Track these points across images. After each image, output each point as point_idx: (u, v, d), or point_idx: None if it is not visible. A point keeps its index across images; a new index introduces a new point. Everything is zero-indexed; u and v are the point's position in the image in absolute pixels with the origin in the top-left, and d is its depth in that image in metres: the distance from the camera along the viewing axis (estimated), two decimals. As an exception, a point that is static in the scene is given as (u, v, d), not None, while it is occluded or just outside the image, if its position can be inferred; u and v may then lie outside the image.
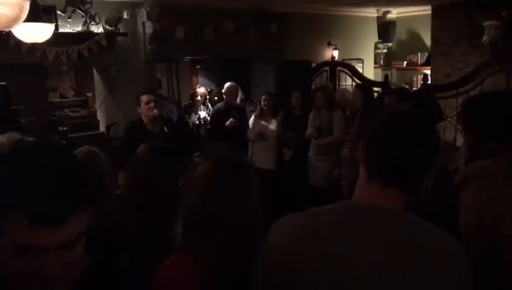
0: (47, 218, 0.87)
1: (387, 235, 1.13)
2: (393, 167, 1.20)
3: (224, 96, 6.08)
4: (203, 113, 6.47)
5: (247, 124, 5.91)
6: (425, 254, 1.13)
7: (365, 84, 6.15)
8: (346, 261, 1.11)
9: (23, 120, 3.26)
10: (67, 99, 6.81)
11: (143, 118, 4.20)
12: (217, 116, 5.92)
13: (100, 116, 6.34)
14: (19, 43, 4.33)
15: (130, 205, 1.68)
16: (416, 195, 1.27)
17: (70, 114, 5.71)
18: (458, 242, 1.21)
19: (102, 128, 6.08)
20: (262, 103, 5.76)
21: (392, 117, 1.35)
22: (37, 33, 3.72)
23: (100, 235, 1.62)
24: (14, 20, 2.58)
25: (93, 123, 5.94)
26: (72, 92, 7.76)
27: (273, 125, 5.75)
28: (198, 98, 6.83)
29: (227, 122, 5.67)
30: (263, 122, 5.78)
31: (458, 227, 1.81)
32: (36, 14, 3.54)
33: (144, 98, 4.14)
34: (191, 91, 7.20)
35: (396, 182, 1.21)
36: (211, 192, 1.48)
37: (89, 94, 7.37)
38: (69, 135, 5.09)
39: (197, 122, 6.52)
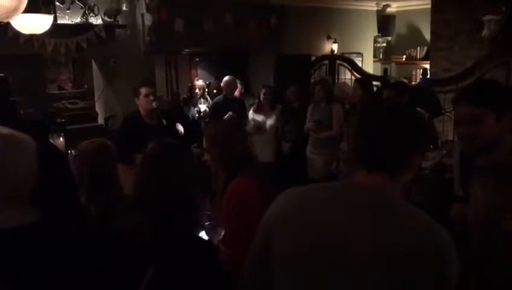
0: None
1: (362, 209, 1.26)
2: (374, 155, 1.32)
3: (222, 89, 6.06)
4: (203, 107, 6.43)
5: (247, 118, 5.91)
6: (390, 233, 1.21)
7: (364, 78, 6.15)
8: (321, 228, 1.28)
9: (22, 112, 3.26)
10: (65, 91, 6.80)
11: (140, 110, 4.17)
12: (216, 110, 5.90)
13: (99, 108, 6.33)
14: (18, 34, 4.31)
15: (144, 206, 1.57)
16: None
17: (69, 106, 5.71)
18: (439, 233, 1.24)
19: (100, 120, 6.07)
20: (261, 96, 5.75)
21: (373, 110, 1.45)
22: (36, 24, 3.70)
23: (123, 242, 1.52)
24: (13, 11, 2.55)
25: (92, 115, 5.93)
26: (70, 84, 7.74)
27: (271, 119, 5.74)
28: (197, 91, 6.80)
29: (225, 116, 5.66)
30: (261, 116, 5.77)
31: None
32: (35, 5, 3.53)
33: (144, 90, 4.09)
34: (189, 84, 7.17)
35: (378, 168, 1.31)
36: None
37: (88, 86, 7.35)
38: (67, 127, 5.08)
39: (197, 116, 6.50)
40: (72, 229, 1.47)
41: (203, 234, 1.93)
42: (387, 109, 1.40)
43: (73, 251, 1.36)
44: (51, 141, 3.81)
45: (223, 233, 1.93)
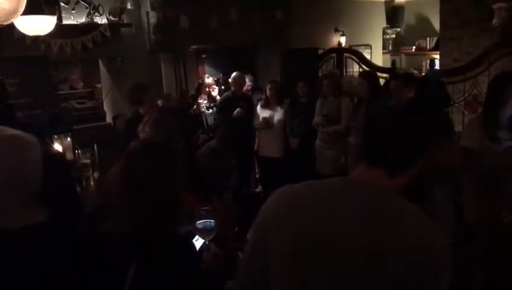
0: None
1: (361, 206, 1.26)
2: (375, 149, 1.35)
3: (231, 85, 6.06)
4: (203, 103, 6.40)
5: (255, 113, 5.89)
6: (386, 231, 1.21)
7: (369, 72, 6.08)
8: (319, 226, 1.27)
9: (19, 114, 3.28)
10: (73, 91, 6.83)
11: (141, 111, 4.05)
12: (224, 106, 5.90)
13: (107, 107, 6.36)
14: (23, 35, 4.33)
15: (125, 205, 1.58)
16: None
17: (77, 105, 5.74)
18: (434, 232, 1.24)
19: (109, 119, 6.10)
20: (267, 91, 5.73)
21: (384, 109, 1.46)
22: (39, 25, 3.71)
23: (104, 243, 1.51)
24: (12, 14, 2.56)
25: (100, 114, 5.96)
26: (82, 84, 7.79)
27: (278, 114, 5.72)
28: (207, 88, 6.79)
29: (234, 112, 5.66)
30: (269, 111, 5.75)
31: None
32: (37, 7, 3.54)
33: (148, 96, 4.05)
34: (200, 81, 7.16)
35: (379, 163, 1.32)
36: None
37: (99, 85, 7.39)
38: (75, 127, 5.11)
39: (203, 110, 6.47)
40: (77, 230, 1.48)
41: (197, 237, 1.94)
42: (400, 110, 1.45)
43: (80, 252, 1.37)
44: (54, 143, 3.86)
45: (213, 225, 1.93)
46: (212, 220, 1.91)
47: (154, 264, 1.48)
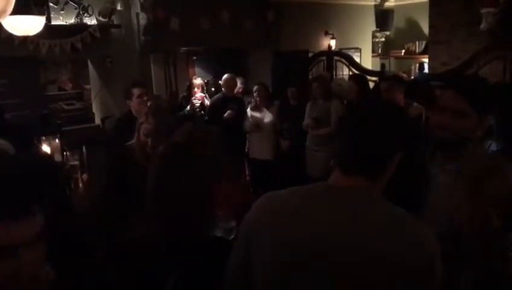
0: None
1: (343, 211, 1.24)
2: (348, 158, 1.31)
3: (222, 87, 6.03)
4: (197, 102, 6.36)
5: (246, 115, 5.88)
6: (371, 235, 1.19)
7: (359, 75, 6.11)
8: (301, 232, 1.25)
9: (7, 116, 3.24)
10: (62, 92, 6.78)
11: (132, 111, 3.97)
12: (215, 108, 5.88)
13: (96, 108, 6.31)
14: (11, 35, 4.28)
15: (164, 207, 1.44)
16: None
17: (65, 107, 5.70)
18: (423, 232, 1.22)
19: (97, 120, 6.05)
20: (255, 94, 5.72)
21: (352, 112, 1.44)
22: (28, 26, 3.67)
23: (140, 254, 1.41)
24: (0, 13, 2.53)
25: (89, 116, 5.91)
26: (71, 85, 7.73)
27: (268, 116, 5.71)
28: (196, 89, 6.76)
29: (225, 114, 5.64)
30: (258, 113, 5.74)
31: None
32: (26, 7, 3.50)
33: (136, 91, 3.93)
34: (188, 83, 7.14)
35: (353, 171, 1.29)
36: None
37: (88, 86, 7.35)
38: (64, 128, 5.06)
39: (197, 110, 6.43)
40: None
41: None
42: (367, 112, 1.37)
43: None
44: (42, 144, 3.82)
45: (233, 224, 1.89)
46: (231, 220, 1.88)
47: (199, 271, 1.39)
